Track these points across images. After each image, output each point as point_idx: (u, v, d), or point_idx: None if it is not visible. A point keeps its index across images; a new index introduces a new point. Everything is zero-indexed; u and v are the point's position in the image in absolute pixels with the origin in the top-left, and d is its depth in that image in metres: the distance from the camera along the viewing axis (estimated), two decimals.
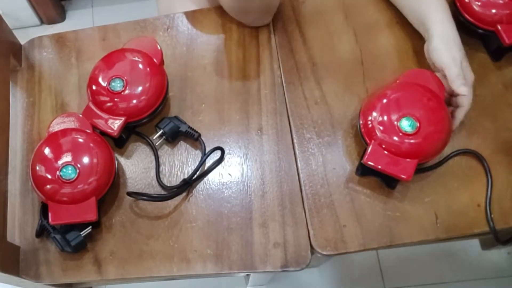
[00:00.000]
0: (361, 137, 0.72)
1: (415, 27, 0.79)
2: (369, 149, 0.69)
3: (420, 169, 0.73)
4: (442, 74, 0.72)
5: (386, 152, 0.68)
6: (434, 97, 0.70)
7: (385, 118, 0.69)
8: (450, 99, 0.74)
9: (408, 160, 0.68)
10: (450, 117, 0.71)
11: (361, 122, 0.72)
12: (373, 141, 0.69)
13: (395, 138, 0.68)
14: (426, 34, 0.75)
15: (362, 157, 0.70)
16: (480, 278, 1.26)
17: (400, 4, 0.82)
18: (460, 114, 0.71)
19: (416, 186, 0.73)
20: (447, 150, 0.74)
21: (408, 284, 1.27)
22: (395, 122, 0.68)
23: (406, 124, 0.68)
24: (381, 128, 0.69)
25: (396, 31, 0.83)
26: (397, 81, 0.73)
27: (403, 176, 0.67)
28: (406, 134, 0.67)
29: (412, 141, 0.67)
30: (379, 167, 0.68)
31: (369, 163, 0.68)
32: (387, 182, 0.72)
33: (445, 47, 0.71)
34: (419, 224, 0.71)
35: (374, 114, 0.70)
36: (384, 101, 0.70)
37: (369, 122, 0.70)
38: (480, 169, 0.73)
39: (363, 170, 0.72)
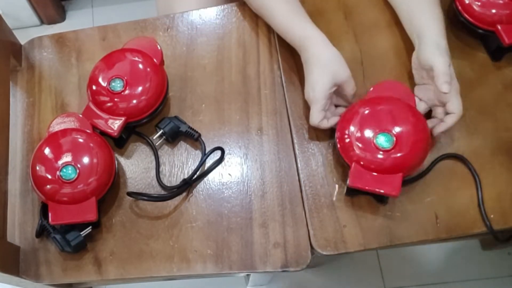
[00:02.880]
0: (340, 157, 0.71)
1: (406, 31, 0.79)
2: (351, 171, 0.68)
3: (408, 180, 0.72)
4: (429, 76, 0.72)
5: (368, 171, 0.68)
6: (407, 107, 0.69)
7: (361, 137, 0.68)
8: (435, 110, 0.73)
9: (392, 175, 0.67)
10: (426, 124, 0.70)
11: (338, 144, 0.71)
12: (353, 163, 0.68)
13: (374, 156, 0.67)
14: (418, 41, 0.74)
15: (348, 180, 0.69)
16: (480, 278, 1.26)
17: (398, 8, 0.81)
18: (450, 120, 0.70)
19: (416, 186, 0.73)
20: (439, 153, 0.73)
21: (408, 284, 1.27)
22: (371, 140, 0.67)
23: (382, 140, 0.67)
24: (358, 149, 0.68)
25: (396, 31, 0.83)
26: (367, 96, 0.72)
27: (392, 193, 0.67)
28: (384, 150, 0.67)
29: (391, 156, 0.67)
30: (366, 188, 0.67)
31: (356, 185, 0.67)
32: (378, 198, 0.72)
33: (438, 51, 0.71)
34: (419, 224, 0.71)
35: (349, 134, 0.69)
36: (357, 120, 0.69)
37: (345, 143, 0.69)
38: (480, 169, 0.73)
39: (351, 191, 0.72)
